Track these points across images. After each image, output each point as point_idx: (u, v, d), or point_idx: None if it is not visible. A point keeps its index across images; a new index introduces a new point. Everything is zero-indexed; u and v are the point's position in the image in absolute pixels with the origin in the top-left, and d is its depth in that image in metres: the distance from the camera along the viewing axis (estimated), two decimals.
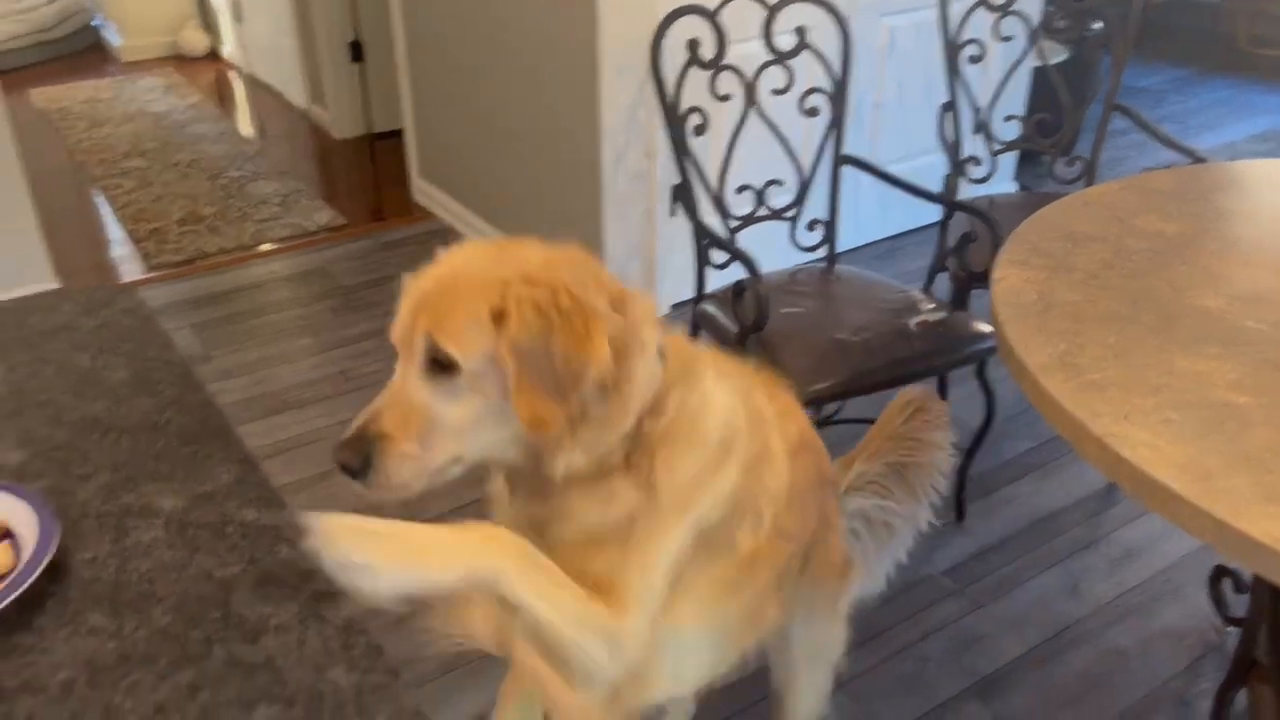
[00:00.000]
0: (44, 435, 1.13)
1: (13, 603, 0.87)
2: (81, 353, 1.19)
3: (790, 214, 2.57)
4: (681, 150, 2.37)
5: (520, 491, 1.14)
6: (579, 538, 1.08)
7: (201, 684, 0.82)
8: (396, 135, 4.56)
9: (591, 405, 1.01)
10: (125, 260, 4.02)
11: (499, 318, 0.98)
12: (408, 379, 1.01)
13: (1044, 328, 1.51)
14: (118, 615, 0.88)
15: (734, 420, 1.17)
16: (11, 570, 0.91)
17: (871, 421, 2.82)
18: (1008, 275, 1.67)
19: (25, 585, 0.88)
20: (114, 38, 6.72)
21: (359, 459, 0.99)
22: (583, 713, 1.09)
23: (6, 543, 0.95)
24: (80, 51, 6.79)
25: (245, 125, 5.57)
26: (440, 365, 0.99)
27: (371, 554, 0.88)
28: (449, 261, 1.06)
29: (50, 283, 3.53)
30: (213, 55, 6.73)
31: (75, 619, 0.88)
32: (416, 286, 1.03)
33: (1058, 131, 2.91)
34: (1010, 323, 1.52)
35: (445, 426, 1.01)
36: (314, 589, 0.90)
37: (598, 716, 1.12)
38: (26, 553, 0.93)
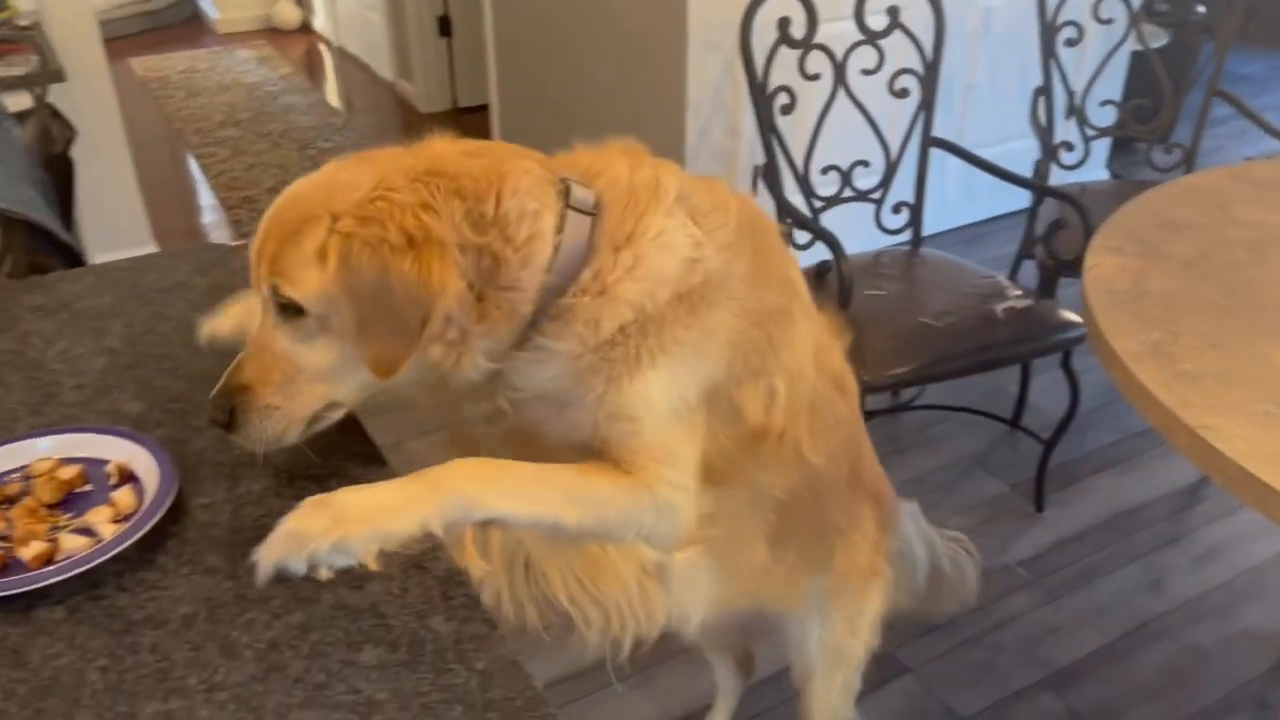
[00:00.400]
0: (162, 387, 1.19)
1: (136, 541, 0.93)
2: (196, 310, 1.25)
3: (875, 196, 2.55)
4: (768, 129, 2.37)
5: (459, 401, 1.06)
6: (547, 411, 1.01)
7: (312, 625, 0.87)
8: (481, 110, 4.62)
9: (464, 327, 0.95)
10: (217, 227, 4.15)
11: (324, 257, 0.92)
12: (264, 325, 0.97)
13: (1137, 315, 1.49)
14: (233, 558, 0.93)
15: (708, 262, 1.02)
16: (135, 511, 0.97)
17: (952, 409, 2.82)
18: (1101, 262, 1.65)
19: (149, 525, 0.94)
20: (211, 10, 6.90)
21: (223, 413, 0.96)
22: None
23: (130, 486, 1.01)
24: (179, 23, 6.98)
25: (334, 98, 5.68)
26: (290, 308, 0.95)
27: (333, 534, 0.85)
28: (294, 189, 0.99)
29: (149, 246, 3.66)
30: (304, 28, 6.87)
31: (194, 559, 0.94)
32: (264, 221, 0.97)
33: (1155, 118, 2.84)
34: (1102, 310, 1.51)
35: (305, 371, 0.96)
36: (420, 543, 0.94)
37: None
38: (149, 496, 0.98)
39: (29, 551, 0.92)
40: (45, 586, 0.89)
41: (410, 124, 5.22)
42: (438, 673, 0.82)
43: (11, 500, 0.99)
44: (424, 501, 0.92)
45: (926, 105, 2.53)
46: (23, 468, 1.03)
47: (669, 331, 1.00)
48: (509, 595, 1.03)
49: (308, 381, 0.97)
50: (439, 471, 0.95)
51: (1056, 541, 2.44)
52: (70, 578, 0.89)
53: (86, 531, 0.95)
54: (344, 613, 0.88)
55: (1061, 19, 2.72)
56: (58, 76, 2.55)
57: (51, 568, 0.90)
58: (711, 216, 1.05)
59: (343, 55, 6.31)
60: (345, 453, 1.06)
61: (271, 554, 0.85)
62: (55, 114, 2.46)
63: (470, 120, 4.91)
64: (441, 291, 0.91)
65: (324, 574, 0.88)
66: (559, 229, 0.99)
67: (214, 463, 1.05)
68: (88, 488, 1.02)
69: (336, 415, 1.00)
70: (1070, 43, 2.75)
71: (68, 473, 1.01)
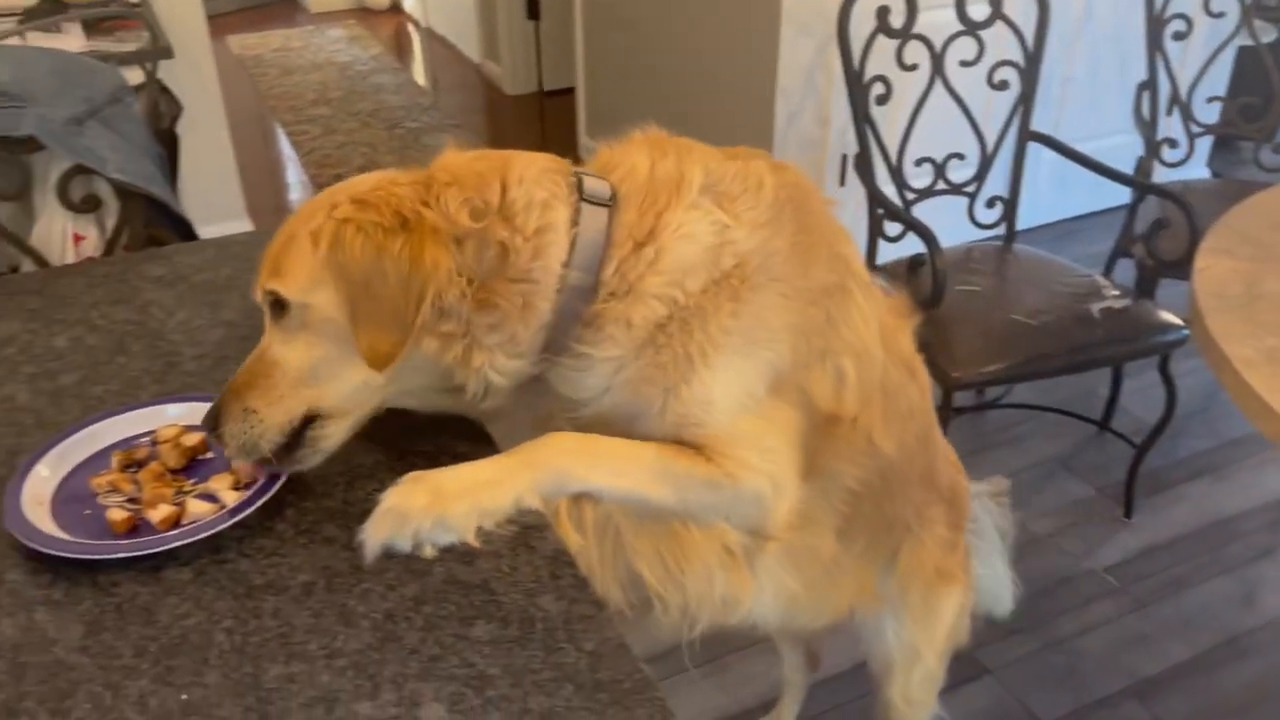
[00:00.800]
0: None
1: (257, 509, 0.96)
2: None
3: (969, 189, 2.51)
4: (863, 119, 2.34)
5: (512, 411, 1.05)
6: (615, 431, 0.99)
7: (425, 598, 0.89)
8: (567, 93, 4.64)
9: (464, 317, 0.93)
10: None
11: (317, 242, 0.92)
12: (267, 334, 0.98)
13: (1250, 320, 1.45)
14: (348, 529, 0.96)
15: (739, 245, 0.99)
16: (254, 479, 1.00)
17: (1039, 408, 2.77)
18: (1211, 264, 1.60)
19: (270, 493, 0.97)
20: None
21: (210, 416, 0.97)
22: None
23: None
24: (274, 1, 7.13)
25: (421, 78, 5.76)
26: (278, 305, 0.95)
27: (433, 510, 0.87)
28: (297, 210, 1.00)
29: (243, 221, 3.76)
30: (394, 8, 6.97)
31: (311, 529, 0.97)
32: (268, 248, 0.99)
33: (1263, 116, 2.74)
34: (1213, 314, 1.47)
35: (288, 374, 0.96)
36: (523, 520, 0.96)
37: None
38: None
39: (157, 514, 0.95)
40: (173, 549, 0.92)
41: (495, 105, 5.27)
42: (548, 651, 0.84)
43: (140, 464, 1.04)
44: (519, 475, 0.94)
45: (1026, 98, 2.48)
46: (150, 433, 1.07)
47: (714, 322, 0.98)
48: (599, 569, 1.04)
49: (290, 385, 0.96)
50: (533, 446, 0.97)
51: (1145, 549, 2.39)
52: (196, 541, 0.93)
53: (210, 497, 0.98)
54: (456, 587, 0.90)
55: (1170, 11, 2.64)
56: (167, 53, 2.62)
57: (178, 530, 0.94)
58: (742, 200, 1.01)
59: (431, 36, 6.38)
60: (454, 431, 1.08)
61: (377, 532, 0.88)
62: (163, 90, 2.53)
63: (555, 103, 4.94)
64: (433, 272, 0.90)
65: (429, 551, 0.90)
66: (574, 222, 0.98)
67: None
68: (209, 455, 1.05)
69: (331, 432, 0.98)
70: (1178, 36, 2.67)
71: (192, 439, 1.05)
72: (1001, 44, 2.43)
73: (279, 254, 0.97)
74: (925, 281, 2.12)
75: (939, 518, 1.36)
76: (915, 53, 2.37)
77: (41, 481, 1.00)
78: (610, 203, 1.00)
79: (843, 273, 1.07)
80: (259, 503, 0.96)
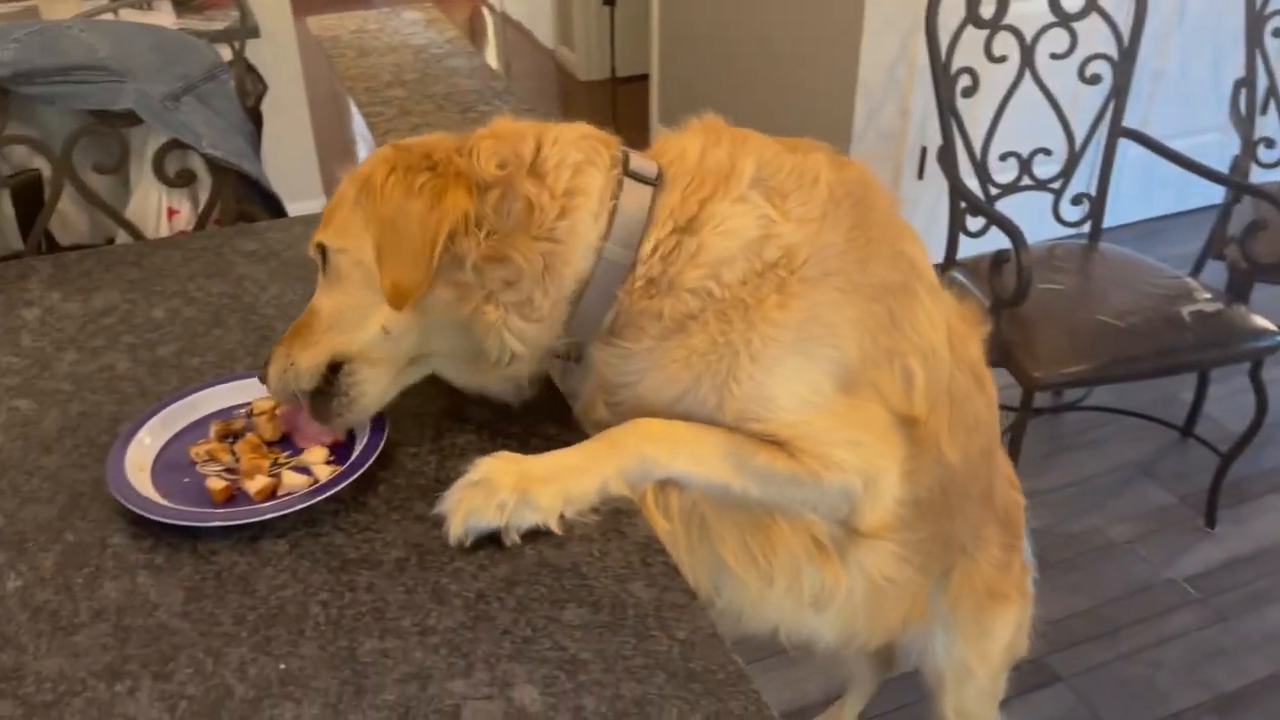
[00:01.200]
0: None
1: (351, 484, 0.97)
2: None
3: (1055, 185, 2.45)
4: (948, 111, 2.30)
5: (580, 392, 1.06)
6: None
7: (517, 579, 0.89)
8: (640, 80, 4.62)
9: (477, 266, 0.94)
10: None
11: (355, 185, 0.97)
12: (317, 288, 1.03)
13: None
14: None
15: (785, 237, 0.96)
16: (347, 453, 1.01)
17: (1119, 412, 2.70)
18: None
19: (365, 467, 0.98)
20: None
21: (263, 367, 1.02)
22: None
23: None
24: None
25: (495, 63, 5.78)
26: (322, 255, 1.00)
27: (519, 488, 0.90)
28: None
29: (320, 200, 3.81)
30: None
31: (403, 505, 0.97)
32: None
33: None
34: None
35: (320, 318, 0.99)
36: (613, 505, 0.95)
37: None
38: (360, 440, 1.03)
39: (254, 485, 0.97)
40: (269, 520, 0.94)
41: (568, 91, 5.28)
42: (639, 638, 0.83)
43: (236, 435, 1.05)
44: (605, 461, 0.95)
45: (1118, 93, 2.41)
46: (246, 404, 1.08)
47: (757, 314, 0.95)
48: (686, 557, 1.03)
49: (322, 331, 0.99)
50: (618, 431, 0.97)
51: (1228, 560, 2.32)
52: (292, 513, 0.94)
53: (304, 470, 1.00)
54: (547, 570, 0.90)
55: (1271, 8, 2.55)
56: (254, 32, 2.66)
57: (274, 502, 0.95)
58: (794, 196, 0.99)
59: (505, 21, 6.41)
60: (543, 413, 1.08)
61: (465, 502, 0.90)
62: (250, 68, 2.57)
63: (628, 90, 4.92)
64: (451, 212, 0.91)
65: (513, 536, 0.91)
66: (614, 195, 0.97)
67: (418, 413, 1.09)
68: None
69: (359, 380, 0.99)
70: (1278, 33, 2.58)
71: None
72: (1094, 37, 2.36)
73: (328, 208, 1.02)
74: (1009, 279, 2.07)
75: (993, 539, 1.31)
76: (1004, 44, 2.32)
77: (143, 449, 1.02)
78: (655, 182, 0.99)
79: (906, 272, 1.03)
80: (354, 476, 0.97)
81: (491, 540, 0.92)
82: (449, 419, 1.08)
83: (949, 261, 2.41)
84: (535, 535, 0.92)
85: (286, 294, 1.33)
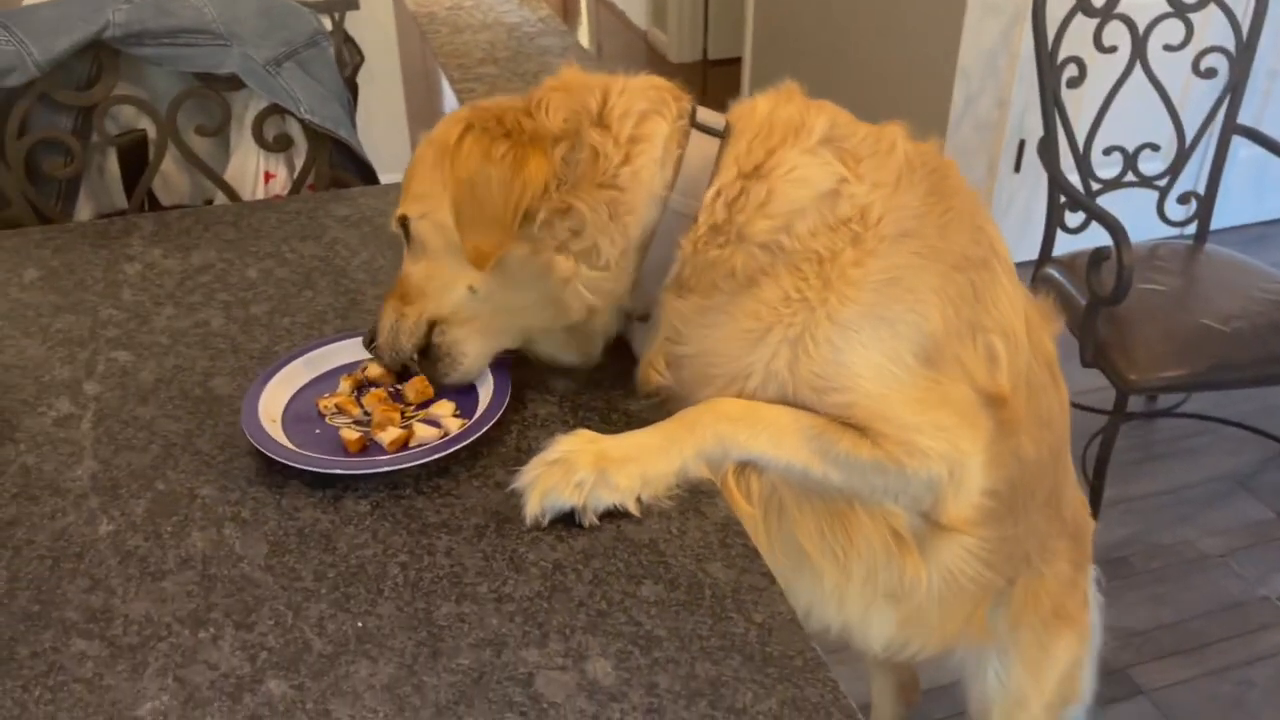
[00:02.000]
0: None
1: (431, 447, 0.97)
2: None
3: (1161, 183, 2.36)
4: (1052, 102, 2.22)
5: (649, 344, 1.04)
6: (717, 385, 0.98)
7: (594, 552, 0.88)
8: (732, 64, 4.58)
9: (549, 220, 0.95)
10: None
11: (435, 149, 0.98)
12: (404, 259, 1.05)
13: None
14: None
15: (859, 197, 0.93)
16: (471, 406, 1.03)
17: (1218, 420, 2.59)
18: None
19: (493, 420, 0.99)
20: None
21: (370, 335, 1.05)
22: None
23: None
24: None
25: (587, 42, 5.79)
26: (405, 229, 1.02)
27: (598, 466, 0.90)
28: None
29: None
30: None
31: (484, 473, 0.97)
32: None
33: None
34: None
35: (411, 283, 1.02)
36: (693, 485, 0.94)
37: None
38: (483, 395, 1.04)
39: (387, 435, 0.98)
40: (352, 480, 0.95)
41: (659, 73, 5.22)
42: (716, 619, 0.82)
43: (362, 388, 1.07)
44: (684, 441, 0.94)
45: (1234, 89, 2.31)
46: (359, 362, 1.10)
47: (834, 271, 0.92)
48: (765, 540, 1.01)
49: (415, 295, 1.01)
50: (695, 411, 0.96)
51: None
52: (427, 463, 0.95)
53: (433, 423, 1.01)
54: (625, 545, 0.89)
55: None
56: (354, 4, 2.69)
57: (412, 450, 0.96)
58: (868, 161, 0.96)
59: (599, 1, 6.41)
60: (625, 388, 1.07)
61: (544, 480, 0.90)
62: (348, 39, 2.60)
63: (720, 73, 4.89)
64: (534, 179, 0.92)
65: (590, 517, 0.90)
66: (680, 146, 0.96)
67: None
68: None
69: (455, 339, 1.01)
70: None
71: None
72: (1211, 29, 2.26)
73: (407, 173, 1.03)
74: (1108, 277, 2.00)
75: (1062, 553, 1.22)
76: (1114, 34, 2.23)
77: (274, 401, 1.04)
78: (723, 134, 0.98)
79: (986, 249, 1.00)
80: (482, 430, 0.98)
81: (568, 515, 0.91)
82: (532, 389, 1.08)
83: (1044, 258, 2.34)
84: (613, 511, 0.91)
85: (376, 259, 1.34)
